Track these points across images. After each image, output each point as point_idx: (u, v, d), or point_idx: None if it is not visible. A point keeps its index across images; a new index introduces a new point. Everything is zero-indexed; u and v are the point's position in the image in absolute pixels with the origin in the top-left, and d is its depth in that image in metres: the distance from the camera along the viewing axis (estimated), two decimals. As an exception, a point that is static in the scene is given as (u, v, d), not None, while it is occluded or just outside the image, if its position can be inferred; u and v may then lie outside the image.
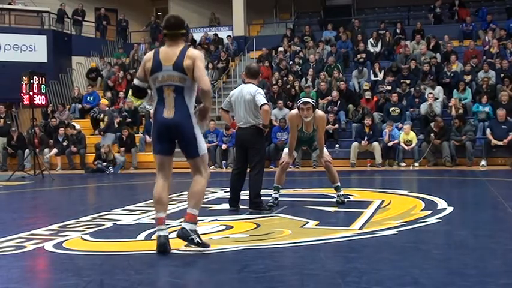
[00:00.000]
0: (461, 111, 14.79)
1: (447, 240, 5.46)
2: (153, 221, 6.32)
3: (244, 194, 7.31)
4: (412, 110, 15.56)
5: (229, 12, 22.73)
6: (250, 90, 6.97)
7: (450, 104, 15.14)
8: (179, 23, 4.97)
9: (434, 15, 21.51)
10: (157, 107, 4.92)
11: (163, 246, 4.79)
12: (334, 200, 7.64)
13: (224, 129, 15.50)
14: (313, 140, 7.60)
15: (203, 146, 4.97)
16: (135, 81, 5.14)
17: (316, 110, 7.39)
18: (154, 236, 5.55)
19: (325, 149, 7.68)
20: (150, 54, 5.01)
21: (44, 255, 5.02)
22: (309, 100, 7.30)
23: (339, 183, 7.63)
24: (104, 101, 16.31)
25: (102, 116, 16.36)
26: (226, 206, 7.43)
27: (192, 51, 4.88)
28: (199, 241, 4.83)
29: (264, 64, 18.67)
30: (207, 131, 15.40)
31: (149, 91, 5.16)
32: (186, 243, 4.93)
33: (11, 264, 4.68)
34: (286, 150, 7.67)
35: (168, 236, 4.86)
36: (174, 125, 4.82)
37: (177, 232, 4.91)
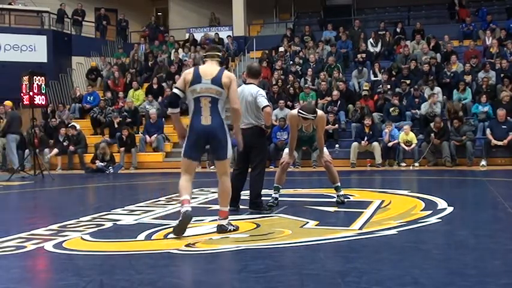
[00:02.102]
0: (461, 113, 14.75)
1: (447, 240, 5.46)
2: (153, 221, 6.40)
3: (245, 194, 7.31)
4: (413, 110, 15.56)
5: (229, 12, 22.73)
6: (251, 91, 6.97)
7: (444, 111, 15.12)
8: (217, 47, 6.15)
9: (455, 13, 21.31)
10: (194, 116, 5.62)
11: (187, 218, 5.42)
12: (334, 200, 7.64)
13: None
14: (314, 140, 7.59)
15: (230, 149, 5.72)
16: (175, 90, 5.75)
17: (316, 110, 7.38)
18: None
19: (325, 149, 7.68)
20: (190, 70, 5.83)
21: (44, 255, 5.02)
22: (310, 117, 7.09)
23: (339, 183, 7.62)
24: (7, 103, 15.78)
25: (3, 118, 15.71)
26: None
27: (229, 73, 5.76)
28: (235, 228, 5.77)
29: (262, 64, 18.67)
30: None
31: (177, 113, 5.88)
32: (186, 243, 5.07)
33: (11, 264, 4.68)
34: (286, 150, 7.67)
35: (191, 212, 5.50)
36: (212, 131, 5.56)
37: (216, 229, 5.73)
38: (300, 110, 7.25)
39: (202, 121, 5.57)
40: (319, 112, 7.48)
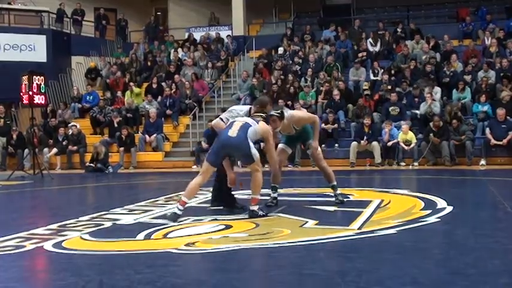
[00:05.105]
0: (459, 113, 14.74)
1: (446, 240, 5.46)
2: (153, 221, 6.41)
3: (247, 194, 7.31)
4: (412, 110, 15.56)
5: (228, 11, 22.72)
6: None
7: (444, 111, 15.10)
8: (263, 112, 6.99)
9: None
10: (225, 129, 6.54)
11: (173, 220, 6.27)
12: (333, 199, 7.63)
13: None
14: (307, 138, 7.49)
15: (256, 153, 6.41)
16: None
17: (287, 114, 7.23)
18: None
19: (315, 143, 7.52)
20: None
21: (43, 255, 5.02)
22: (272, 112, 7.02)
23: (335, 182, 7.56)
24: None
25: None
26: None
27: (268, 126, 6.70)
28: (265, 213, 6.59)
29: (259, 66, 18.72)
30: (207, 130, 15.37)
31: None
32: (186, 242, 5.11)
33: (11, 264, 4.67)
34: (280, 146, 7.62)
35: (180, 215, 6.36)
36: (234, 142, 6.37)
37: (248, 214, 6.51)
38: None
39: (229, 132, 6.41)
40: (292, 113, 7.42)
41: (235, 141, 6.35)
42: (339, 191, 7.66)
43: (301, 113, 7.86)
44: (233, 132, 6.40)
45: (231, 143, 6.39)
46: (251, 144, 6.39)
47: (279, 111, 7.13)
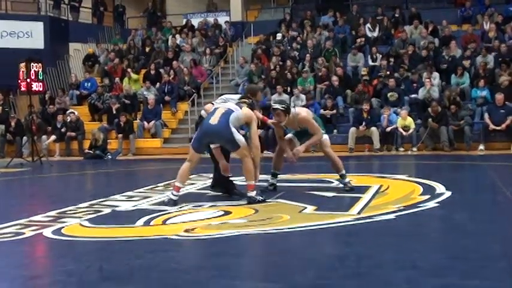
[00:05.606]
0: (458, 98, 14.72)
1: (446, 225, 5.48)
2: (151, 207, 6.41)
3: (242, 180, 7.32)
4: (411, 95, 15.52)
5: (227, -3, 22.62)
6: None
7: (443, 96, 15.06)
8: (247, 97, 7.00)
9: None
10: (207, 116, 6.53)
11: (171, 206, 6.34)
12: (332, 185, 7.60)
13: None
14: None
15: (241, 138, 6.40)
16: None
17: (294, 110, 7.19)
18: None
19: (325, 136, 7.46)
20: None
21: (42, 242, 5.02)
22: (277, 106, 7.05)
23: (343, 171, 7.41)
24: None
25: None
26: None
27: (251, 112, 6.64)
28: (263, 198, 6.54)
29: (258, 52, 18.65)
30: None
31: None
32: (185, 228, 5.13)
33: (10, 250, 4.68)
34: (289, 135, 7.58)
35: (176, 200, 6.45)
36: (215, 130, 6.34)
37: (246, 201, 6.46)
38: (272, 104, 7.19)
39: (210, 120, 6.37)
40: (299, 111, 7.33)
41: (216, 128, 6.33)
42: (347, 179, 7.49)
43: (308, 115, 7.34)
44: (214, 119, 6.37)
45: (211, 130, 6.37)
46: (233, 130, 6.34)
47: (284, 105, 7.08)
